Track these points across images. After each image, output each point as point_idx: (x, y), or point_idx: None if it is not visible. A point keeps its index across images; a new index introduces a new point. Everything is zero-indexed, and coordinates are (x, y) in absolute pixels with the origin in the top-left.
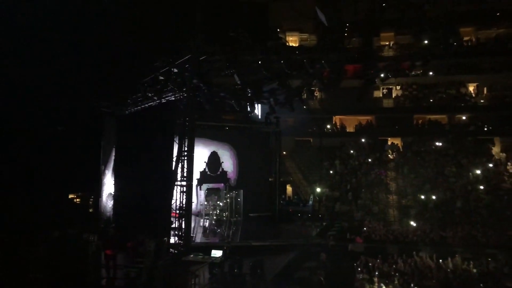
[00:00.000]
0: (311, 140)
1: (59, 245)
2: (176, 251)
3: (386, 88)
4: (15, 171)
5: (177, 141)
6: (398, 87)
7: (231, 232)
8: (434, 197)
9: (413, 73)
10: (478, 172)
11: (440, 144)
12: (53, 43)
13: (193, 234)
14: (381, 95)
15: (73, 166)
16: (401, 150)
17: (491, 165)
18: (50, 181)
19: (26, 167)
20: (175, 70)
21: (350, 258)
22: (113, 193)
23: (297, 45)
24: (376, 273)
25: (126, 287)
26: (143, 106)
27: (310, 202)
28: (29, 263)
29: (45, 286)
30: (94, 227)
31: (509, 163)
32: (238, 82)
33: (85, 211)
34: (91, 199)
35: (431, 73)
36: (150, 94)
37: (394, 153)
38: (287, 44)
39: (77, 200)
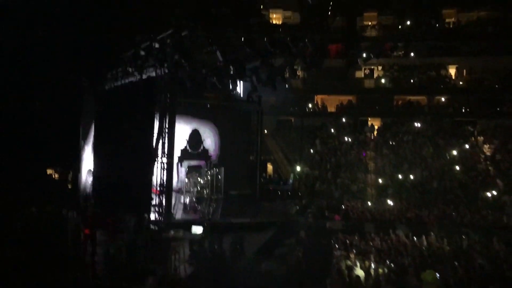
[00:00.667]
0: (293, 120)
1: (37, 221)
2: (156, 228)
3: (368, 69)
4: None
5: (157, 118)
6: (380, 68)
7: (211, 209)
8: (411, 177)
9: (394, 54)
10: (455, 153)
11: (419, 125)
12: (29, 16)
13: (173, 211)
14: (362, 76)
15: (52, 141)
16: (381, 130)
17: (467, 146)
18: (27, 156)
19: (2, 142)
20: (157, 45)
21: (328, 235)
22: (92, 169)
23: (280, 22)
24: (353, 250)
25: (105, 264)
26: (123, 81)
27: (291, 181)
28: (6, 240)
29: (23, 263)
30: (73, 204)
31: (485, 145)
32: (221, 59)
33: (63, 187)
34: (70, 175)
35: (412, 54)
36: (130, 70)
37: (373, 134)
38: (270, 21)
39: (56, 176)
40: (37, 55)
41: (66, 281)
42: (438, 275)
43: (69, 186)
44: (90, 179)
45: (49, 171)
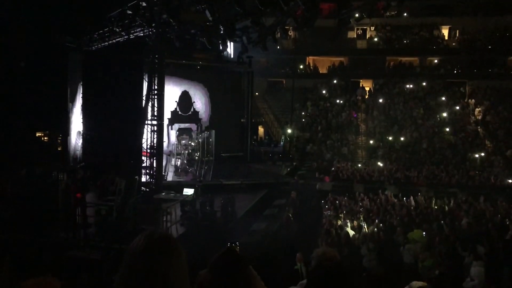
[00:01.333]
0: (284, 81)
1: (27, 183)
2: (147, 189)
3: (361, 29)
4: None
5: (146, 79)
6: (373, 28)
7: (202, 171)
8: (401, 138)
9: (387, 14)
10: (445, 114)
11: (411, 86)
12: None
13: (164, 173)
14: (355, 36)
15: (40, 104)
16: (372, 92)
17: (457, 107)
18: (16, 119)
19: None
20: (144, 4)
21: (318, 196)
22: (82, 131)
23: None
24: (343, 210)
25: (96, 225)
26: (110, 42)
27: (281, 143)
28: None
29: (13, 224)
30: (63, 166)
31: (476, 108)
32: (210, 18)
33: (53, 150)
34: (59, 138)
35: (405, 14)
36: (117, 29)
37: (364, 96)
38: None
39: (45, 138)
40: (21, 13)
41: (57, 241)
42: (424, 233)
43: (59, 149)
44: (79, 141)
45: (38, 134)
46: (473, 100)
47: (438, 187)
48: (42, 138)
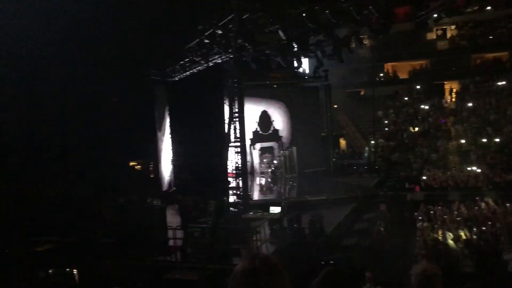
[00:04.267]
0: (363, 91)
1: (125, 210)
2: (236, 209)
3: (440, 29)
4: (79, 143)
5: (227, 103)
6: (453, 27)
7: (287, 188)
8: (496, 140)
9: (468, 10)
10: None
11: (503, 83)
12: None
13: (250, 192)
14: (435, 37)
15: (131, 135)
16: (459, 93)
17: None
18: (111, 151)
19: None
20: (219, 32)
21: (410, 207)
22: (171, 158)
23: None
24: (438, 220)
25: (190, 247)
26: (191, 71)
27: (365, 154)
28: (97, 228)
29: (115, 249)
30: (156, 192)
31: None
32: (283, 37)
33: (146, 177)
34: (151, 165)
35: (488, 8)
36: (197, 59)
37: (451, 98)
38: None
39: (138, 167)
40: (108, 52)
41: (155, 265)
42: None
43: (151, 176)
44: (170, 167)
45: (131, 163)
46: None
47: None
48: (136, 167)
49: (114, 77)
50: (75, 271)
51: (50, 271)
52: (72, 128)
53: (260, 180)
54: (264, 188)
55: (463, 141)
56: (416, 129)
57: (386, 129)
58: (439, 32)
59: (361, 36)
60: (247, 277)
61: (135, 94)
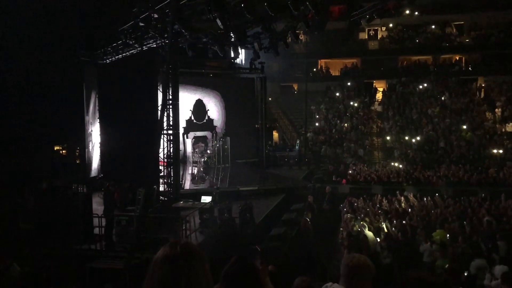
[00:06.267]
0: (296, 86)
1: (48, 196)
2: (165, 198)
3: (372, 30)
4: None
5: (161, 90)
6: (384, 29)
7: (219, 178)
8: (418, 138)
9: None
10: (461, 112)
11: (425, 85)
12: None
13: (182, 181)
14: (366, 37)
15: (57, 118)
16: (386, 92)
17: (473, 104)
18: (34, 133)
19: (9, 120)
20: (155, 16)
21: (337, 199)
22: (99, 143)
23: None
24: (361, 212)
25: (117, 235)
26: (124, 54)
27: (297, 147)
28: (19, 215)
29: (37, 236)
30: (82, 178)
31: (498, 102)
32: (221, 26)
33: (72, 162)
34: (77, 150)
35: (416, 13)
36: (130, 42)
37: (378, 96)
38: None
39: (63, 152)
40: (36, 27)
41: (79, 253)
42: (448, 234)
43: (77, 161)
44: (97, 153)
45: (56, 148)
46: (489, 96)
47: (457, 186)
48: (61, 152)
49: (39, 56)
50: None
51: None
52: None
53: (192, 170)
54: (196, 178)
55: (388, 138)
56: (345, 124)
57: (317, 124)
58: (371, 33)
59: (297, 32)
60: (167, 263)
61: (62, 76)
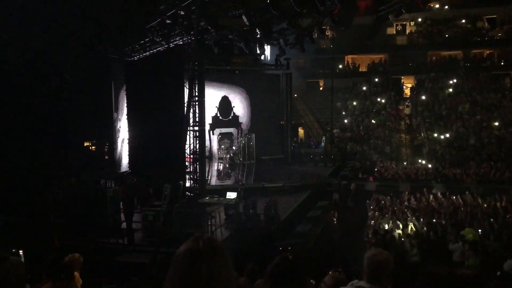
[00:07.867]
0: (323, 81)
1: (77, 191)
2: (192, 194)
3: (400, 25)
4: (29, 120)
5: (187, 86)
6: (412, 23)
7: (244, 174)
8: (447, 135)
9: (427, 7)
10: (493, 108)
11: (455, 80)
12: None
13: (207, 177)
14: (394, 32)
15: (87, 115)
16: (415, 88)
17: (505, 100)
18: (64, 130)
19: (38, 116)
20: (182, 13)
21: (362, 197)
22: (127, 139)
23: None
24: (389, 210)
25: (144, 230)
26: (151, 51)
27: (322, 144)
28: (49, 209)
29: (66, 230)
30: (110, 173)
31: None
32: (247, 23)
33: (101, 158)
34: (106, 146)
35: (446, 7)
36: (157, 39)
37: (406, 92)
38: None
39: (92, 147)
40: (66, 28)
41: (106, 247)
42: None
43: (106, 157)
44: (125, 149)
45: (86, 143)
46: None
47: (487, 184)
48: (90, 148)
49: (70, 53)
50: (21, 252)
51: None
52: (24, 105)
53: (218, 166)
54: (222, 174)
55: (415, 135)
56: (373, 121)
57: (345, 121)
58: (399, 28)
59: (323, 27)
60: (189, 258)
61: (91, 73)
